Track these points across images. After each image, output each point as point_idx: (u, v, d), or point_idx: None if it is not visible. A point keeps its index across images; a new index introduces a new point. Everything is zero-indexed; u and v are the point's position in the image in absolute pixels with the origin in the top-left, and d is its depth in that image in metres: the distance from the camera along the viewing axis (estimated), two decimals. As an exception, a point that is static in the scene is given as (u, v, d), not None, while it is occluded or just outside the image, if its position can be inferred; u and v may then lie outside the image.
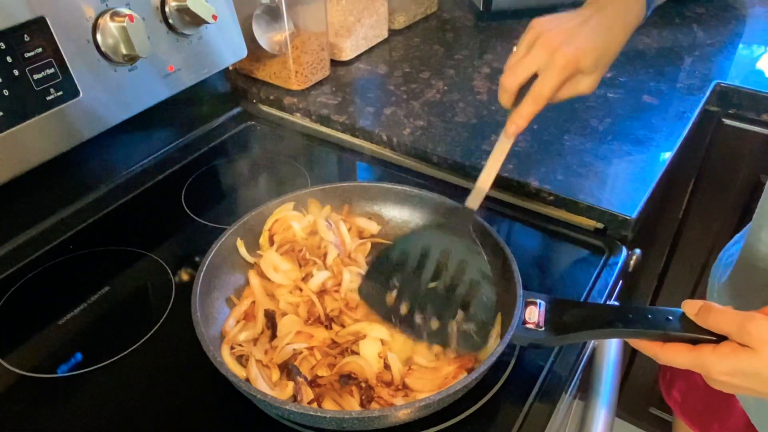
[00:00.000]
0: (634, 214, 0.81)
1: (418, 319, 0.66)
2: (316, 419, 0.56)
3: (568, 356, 0.68)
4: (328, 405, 0.60)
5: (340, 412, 0.57)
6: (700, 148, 0.76)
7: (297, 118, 1.06)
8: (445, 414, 0.60)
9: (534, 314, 0.62)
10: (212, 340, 0.62)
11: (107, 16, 0.75)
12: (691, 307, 0.51)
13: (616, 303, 0.78)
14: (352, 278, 0.70)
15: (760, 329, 0.46)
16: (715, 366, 0.48)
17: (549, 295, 0.64)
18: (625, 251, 0.80)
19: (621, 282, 0.81)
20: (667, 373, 1.00)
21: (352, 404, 0.59)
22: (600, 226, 0.84)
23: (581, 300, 0.74)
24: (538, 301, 0.63)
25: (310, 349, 0.64)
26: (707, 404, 0.91)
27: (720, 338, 0.50)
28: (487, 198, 0.76)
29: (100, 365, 0.66)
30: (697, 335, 0.52)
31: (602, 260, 0.79)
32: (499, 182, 0.88)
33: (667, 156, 0.90)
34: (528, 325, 0.61)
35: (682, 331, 0.53)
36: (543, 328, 0.61)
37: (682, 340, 0.52)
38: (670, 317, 0.54)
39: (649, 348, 0.53)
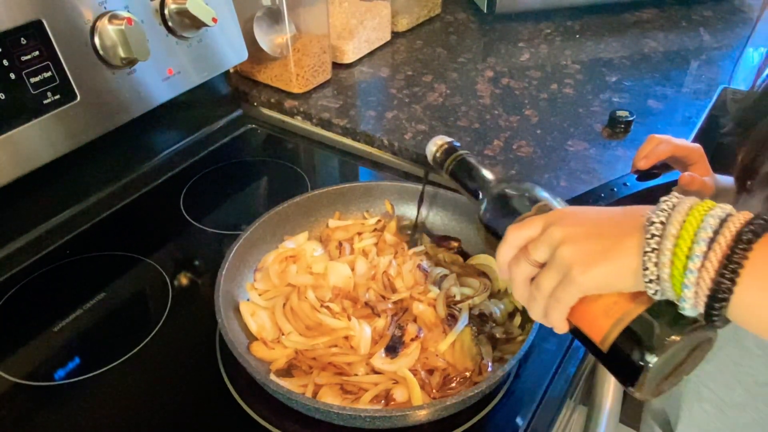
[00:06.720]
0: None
1: None
2: (329, 415, 0.56)
3: (569, 368, 0.67)
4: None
5: (356, 409, 0.57)
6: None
7: (298, 122, 1.05)
8: (443, 427, 0.59)
9: None
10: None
11: (105, 19, 0.74)
12: None
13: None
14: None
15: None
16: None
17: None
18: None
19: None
20: None
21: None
22: (604, 233, 0.82)
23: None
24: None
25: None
26: None
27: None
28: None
29: (96, 372, 0.66)
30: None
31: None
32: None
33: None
34: None
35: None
36: None
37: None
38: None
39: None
